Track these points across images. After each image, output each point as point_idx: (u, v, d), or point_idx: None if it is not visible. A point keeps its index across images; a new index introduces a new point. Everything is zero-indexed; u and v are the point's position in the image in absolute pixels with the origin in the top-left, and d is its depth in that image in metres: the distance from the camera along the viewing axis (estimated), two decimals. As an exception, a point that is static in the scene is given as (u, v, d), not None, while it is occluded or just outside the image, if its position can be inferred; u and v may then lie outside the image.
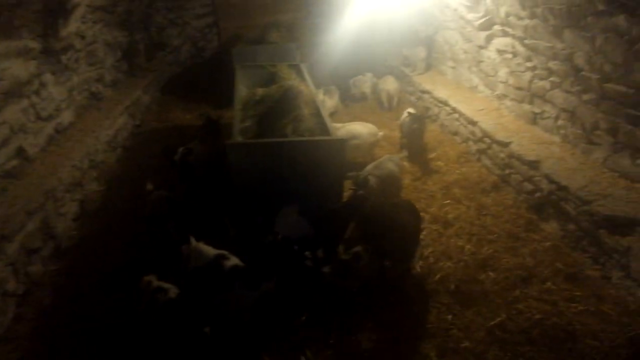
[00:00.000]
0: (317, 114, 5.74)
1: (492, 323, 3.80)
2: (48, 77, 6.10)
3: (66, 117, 6.64)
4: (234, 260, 3.91)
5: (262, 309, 3.82)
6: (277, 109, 5.86)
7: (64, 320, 4.05)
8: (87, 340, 3.84)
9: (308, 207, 4.77)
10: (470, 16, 7.06)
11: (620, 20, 4.09)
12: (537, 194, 5.20)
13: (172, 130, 8.51)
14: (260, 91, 6.37)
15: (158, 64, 10.63)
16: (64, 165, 5.59)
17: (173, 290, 3.79)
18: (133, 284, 3.93)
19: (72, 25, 6.52)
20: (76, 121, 6.93)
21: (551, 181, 4.94)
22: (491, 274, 4.38)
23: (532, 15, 5.45)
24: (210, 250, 3.99)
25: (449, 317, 3.94)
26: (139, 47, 9.87)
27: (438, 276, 4.39)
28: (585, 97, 5.04)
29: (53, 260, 4.86)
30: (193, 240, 4.02)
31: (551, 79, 5.61)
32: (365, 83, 9.40)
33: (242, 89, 6.72)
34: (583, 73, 4.96)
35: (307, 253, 4.03)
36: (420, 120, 6.67)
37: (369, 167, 5.57)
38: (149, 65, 10.31)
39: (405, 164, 6.48)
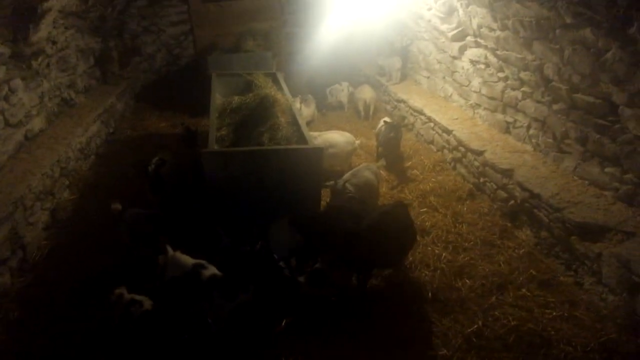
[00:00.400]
0: (294, 122, 5.74)
1: (469, 330, 3.84)
2: (18, 83, 5.94)
3: (37, 123, 6.46)
4: (212, 270, 3.85)
5: (240, 319, 3.77)
6: (253, 118, 5.84)
7: (33, 335, 3.90)
8: (58, 356, 3.70)
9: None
10: (443, 27, 7.19)
11: (587, 33, 4.22)
12: (511, 202, 5.30)
13: (146, 138, 8.37)
14: (236, 99, 6.34)
15: (132, 71, 10.48)
16: (34, 173, 5.43)
17: (147, 302, 3.71)
18: (105, 297, 3.83)
19: (43, 31, 6.37)
20: (47, 128, 6.76)
21: (524, 189, 5.05)
22: (468, 281, 4.43)
23: (504, 27, 5.59)
24: (188, 260, 3.93)
25: (427, 325, 3.96)
26: (113, 54, 9.71)
27: (416, 284, 4.41)
28: (556, 107, 5.18)
29: (22, 271, 4.69)
30: (170, 250, 3.95)
31: (522, 89, 5.75)
32: (341, 92, 9.45)
33: (218, 97, 6.67)
34: (553, 83, 5.10)
35: (281, 263, 4.00)
36: (396, 129, 6.74)
37: (347, 175, 5.58)
38: (123, 72, 10.15)
39: (382, 172, 6.52)
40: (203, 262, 3.92)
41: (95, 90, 8.91)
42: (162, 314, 3.68)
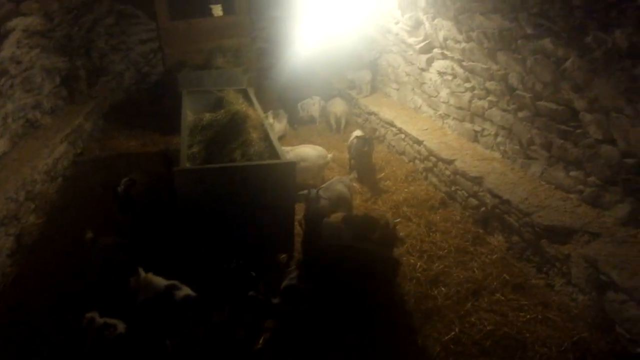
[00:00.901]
0: (266, 137, 5.74)
1: (447, 338, 3.87)
2: (-21, 105, 5.78)
3: (0, 146, 6.28)
4: (185, 290, 3.79)
5: (215, 339, 3.70)
6: (225, 134, 5.81)
7: (-1, 365, 3.75)
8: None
9: (257, 233, 4.73)
10: (411, 40, 7.34)
11: (547, 43, 4.37)
12: (482, 209, 5.40)
13: (116, 158, 8.22)
14: (207, 116, 6.30)
15: (100, 90, 10.31)
16: (-3, 198, 5.26)
17: (121, 325, 3.61)
18: (76, 323, 3.71)
19: (7, 51, 6.23)
20: (11, 150, 6.58)
21: (494, 195, 5.15)
22: (443, 289, 4.47)
23: (468, 39, 5.74)
24: (160, 281, 3.85)
25: (405, 334, 3.97)
26: (80, 73, 9.54)
27: (392, 294, 4.43)
28: (521, 114, 5.33)
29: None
30: (142, 272, 3.87)
31: (489, 98, 5.90)
32: (313, 106, 9.51)
33: (189, 115, 6.62)
34: (517, 92, 5.26)
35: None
36: (369, 142, 6.80)
37: (318, 189, 5.59)
38: (91, 92, 9.97)
39: (355, 185, 6.56)
40: (176, 282, 3.85)
41: (62, 111, 8.73)
42: (136, 337, 3.59)
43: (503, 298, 4.28)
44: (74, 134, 8.18)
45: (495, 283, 4.48)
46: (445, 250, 5.05)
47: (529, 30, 4.53)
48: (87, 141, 8.83)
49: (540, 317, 4.01)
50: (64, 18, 7.91)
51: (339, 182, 5.67)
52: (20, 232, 5.57)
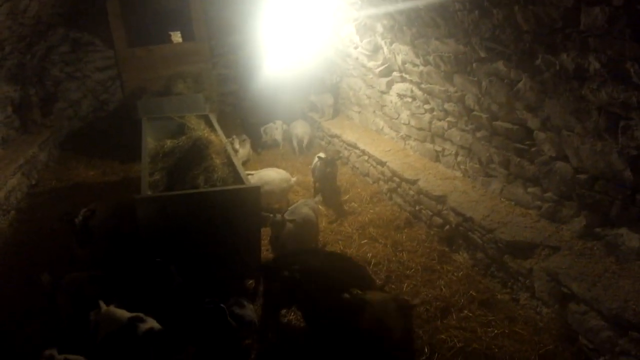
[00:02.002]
0: (229, 163, 5.69)
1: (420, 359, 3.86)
2: None
3: (-54, 180, 5.97)
4: (150, 323, 3.64)
5: None
6: (187, 160, 5.73)
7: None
8: None
9: (223, 259, 4.64)
10: (370, 64, 7.52)
11: (500, 65, 4.57)
12: (447, 227, 5.50)
13: (73, 188, 7.95)
14: (168, 143, 6.21)
15: (56, 119, 10.02)
16: (-56, 235, 4.97)
17: (82, 362, 3.43)
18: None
19: (-46, 81, 5.98)
20: (-41, 184, 6.25)
21: (457, 213, 5.26)
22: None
23: (426, 63, 5.93)
24: (123, 314, 3.69)
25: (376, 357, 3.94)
26: (33, 102, 9.25)
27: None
28: (479, 134, 5.51)
29: None
30: (103, 305, 3.71)
31: (448, 119, 6.08)
32: (276, 130, 9.53)
33: (150, 142, 6.50)
34: (474, 113, 5.44)
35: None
36: (332, 164, 6.83)
37: (285, 214, 5.56)
38: (45, 121, 9.68)
39: (321, 207, 6.56)
40: (140, 314, 3.70)
41: (15, 141, 8.41)
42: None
43: (471, 314, 4.33)
44: (28, 165, 7.88)
45: (462, 300, 4.53)
46: (413, 270, 5.09)
47: (482, 54, 4.72)
48: (43, 172, 8.51)
49: (507, 331, 4.07)
50: (15, 46, 7.69)
51: (305, 205, 5.65)
52: (-31, 270, 5.26)
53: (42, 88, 9.81)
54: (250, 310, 4.01)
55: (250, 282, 5.05)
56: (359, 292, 3.47)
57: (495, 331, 4.08)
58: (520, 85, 4.41)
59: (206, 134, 6.03)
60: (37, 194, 7.73)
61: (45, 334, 4.24)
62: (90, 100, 10.46)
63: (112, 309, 3.70)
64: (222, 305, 3.77)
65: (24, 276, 5.20)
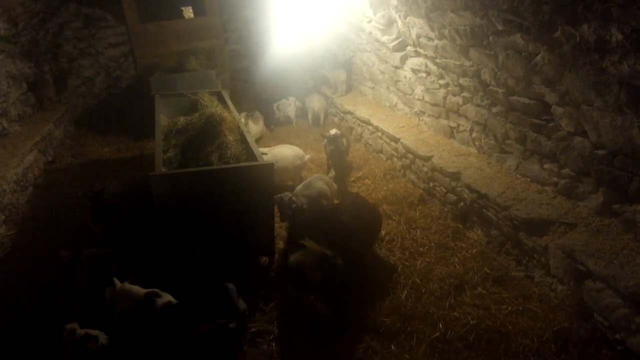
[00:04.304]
0: (242, 140, 5.68)
1: (433, 337, 3.87)
2: (-58, 115, 5.57)
3: (-35, 157, 6.06)
4: (166, 297, 3.71)
5: (194, 352, 3.61)
6: (200, 137, 5.72)
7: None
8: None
9: (237, 236, 4.68)
10: (384, 39, 7.37)
11: (517, 38, 4.44)
12: (461, 204, 5.45)
13: (89, 165, 8.04)
14: (182, 120, 6.20)
15: (70, 95, 10.07)
16: (-36, 211, 5.08)
17: (103, 337, 3.52)
18: (55, 335, 3.60)
19: (-32, 59, 6.02)
20: (-23, 161, 6.35)
21: (472, 190, 5.21)
22: (426, 285, 4.49)
23: (441, 36, 5.79)
24: (138, 289, 3.76)
25: (391, 334, 3.97)
26: (48, 79, 9.29)
27: (377, 293, 4.43)
28: (495, 109, 5.40)
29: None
30: (117, 282, 3.78)
31: (463, 94, 5.97)
32: (289, 107, 9.48)
33: (163, 119, 6.51)
34: (490, 88, 5.33)
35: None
36: (335, 141, 6.76)
37: (299, 187, 5.57)
38: (60, 98, 9.74)
39: (334, 184, 6.54)
40: (156, 290, 3.77)
41: (31, 118, 8.49)
42: (119, 348, 3.50)
43: (485, 292, 4.32)
44: (44, 142, 7.96)
45: (476, 277, 4.52)
46: (426, 247, 5.08)
47: (499, 27, 4.59)
48: (59, 148, 8.61)
49: (521, 308, 4.06)
50: (29, 22, 7.69)
51: (319, 180, 5.65)
52: (-9, 245, 5.39)
53: (56, 65, 9.83)
54: (242, 301, 4.00)
55: (264, 259, 5.09)
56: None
57: (509, 308, 4.07)
58: (538, 58, 4.29)
59: (219, 111, 6.00)
60: (53, 171, 7.84)
61: (67, 308, 4.33)
62: (103, 77, 10.48)
63: (127, 285, 3.77)
64: (228, 284, 3.80)
65: (42, 252, 5.31)
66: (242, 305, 3.94)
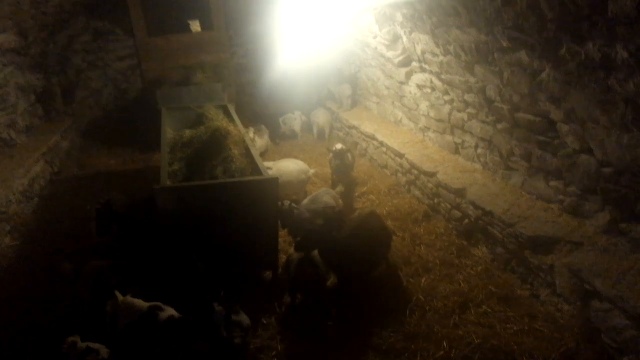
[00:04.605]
0: (248, 154, 5.70)
1: (437, 355, 3.81)
2: (-50, 126, 5.62)
3: (-27, 168, 6.11)
4: (169, 312, 3.69)
5: None
6: (206, 151, 5.75)
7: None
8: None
9: (241, 250, 4.67)
10: (389, 54, 7.41)
11: (523, 55, 4.45)
12: (466, 221, 5.42)
13: (95, 177, 8.07)
14: (188, 133, 6.24)
15: (78, 107, 10.15)
16: (-31, 221, 5.10)
17: (104, 350, 3.49)
18: (55, 349, 3.57)
19: (-21, 70, 6.10)
20: (-16, 172, 6.40)
21: (477, 207, 5.18)
22: (430, 303, 4.44)
23: (446, 53, 5.81)
24: (141, 303, 3.74)
25: (395, 353, 3.92)
26: (56, 90, 9.39)
27: (382, 311, 4.40)
28: (500, 126, 5.39)
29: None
30: (120, 295, 3.76)
31: (468, 110, 5.97)
32: (294, 121, 9.52)
33: (169, 132, 6.55)
34: (495, 104, 5.33)
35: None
36: (341, 156, 6.77)
37: (305, 201, 5.57)
38: (68, 109, 9.82)
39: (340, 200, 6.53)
40: (159, 304, 3.75)
41: (38, 129, 8.56)
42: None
43: (490, 310, 4.27)
44: (51, 153, 8.01)
45: (481, 295, 4.47)
46: (431, 264, 5.04)
47: (504, 44, 4.60)
48: (65, 160, 8.65)
49: (527, 328, 4.01)
50: (38, 35, 7.80)
51: (326, 194, 5.64)
52: (-5, 256, 5.40)
53: (64, 77, 9.92)
54: (244, 315, 3.92)
55: (268, 274, 5.06)
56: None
57: (515, 328, 4.02)
58: (543, 75, 4.30)
59: (225, 125, 6.04)
60: (59, 182, 7.87)
61: (69, 320, 4.32)
62: (111, 90, 10.57)
63: (129, 299, 3.75)
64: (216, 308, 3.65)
65: (46, 263, 5.31)
66: (244, 320, 3.90)
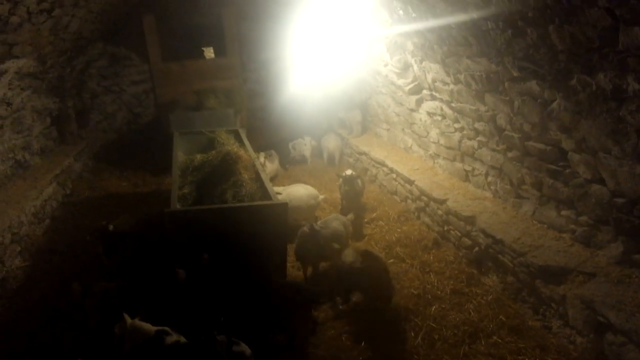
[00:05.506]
0: (257, 178, 5.74)
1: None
2: (-32, 147, 5.74)
3: (-13, 188, 6.20)
4: (176, 337, 3.66)
5: None
6: (216, 175, 5.80)
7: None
8: None
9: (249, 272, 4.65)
10: (400, 82, 7.50)
11: (533, 85, 4.49)
12: (476, 249, 5.37)
13: (106, 199, 8.14)
14: (199, 157, 6.31)
15: (92, 130, 10.33)
16: (-19, 241, 5.15)
17: (107, 375, 3.47)
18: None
19: (-2, 93, 6.25)
20: (-2, 192, 6.49)
21: (487, 235, 5.14)
22: (440, 331, 4.37)
23: (456, 81, 5.87)
24: (149, 327, 3.72)
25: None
26: (71, 114, 9.58)
27: (391, 339, 4.33)
28: (510, 154, 5.39)
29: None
30: (128, 318, 3.75)
31: (478, 138, 5.99)
32: (304, 146, 9.58)
33: (181, 155, 6.63)
34: (506, 132, 5.34)
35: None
36: (351, 182, 6.79)
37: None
38: (82, 132, 9.99)
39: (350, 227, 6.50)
40: (166, 328, 3.73)
41: (52, 151, 8.70)
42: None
43: (500, 341, 4.19)
44: (64, 175, 8.12)
45: (491, 325, 4.39)
46: (441, 292, 4.98)
47: (515, 73, 4.65)
48: (77, 182, 8.76)
49: (538, 360, 3.93)
50: (56, 60, 7.99)
51: (335, 219, 5.63)
52: (5, 276, 5.42)
53: (79, 100, 10.15)
54: (244, 346, 3.85)
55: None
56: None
57: None
58: (554, 105, 4.32)
59: (235, 149, 6.10)
60: (71, 204, 7.94)
61: (76, 340, 4.29)
62: (124, 113, 10.77)
63: (137, 322, 3.73)
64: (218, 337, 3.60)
65: (56, 284, 5.32)
66: (246, 350, 3.77)
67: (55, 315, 4.79)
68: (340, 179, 6.92)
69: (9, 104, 6.90)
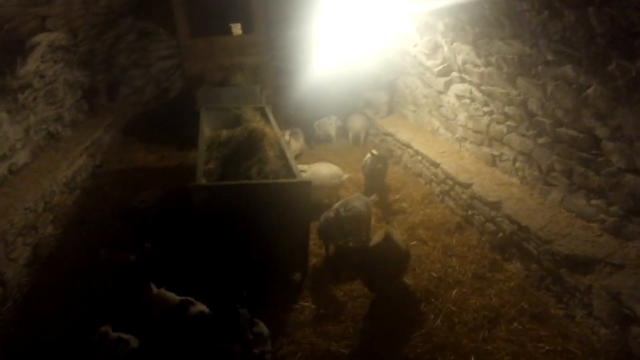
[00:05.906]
0: (282, 156, 5.75)
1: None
2: (3, 116, 5.91)
3: (21, 157, 6.39)
4: (200, 307, 3.76)
5: None
6: (241, 151, 5.83)
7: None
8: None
9: (271, 251, 4.71)
10: (429, 63, 7.36)
11: (568, 69, 4.35)
12: (500, 234, 5.31)
13: (134, 171, 8.31)
14: (225, 133, 6.34)
15: (121, 104, 10.49)
16: (16, 208, 5.34)
17: (134, 341, 3.59)
18: (89, 337, 3.70)
19: (31, 64, 6.38)
20: (32, 162, 6.69)
21: (512, 221, 5.07)
22: (459, 315, 4.37)
23: (487, 64, 5.73)
24: (174, 297, 3.83)
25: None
26: (101, 87, 9.74)
27: (409, 321, 4.36)
28: (540, 140, 5.27)
29: (2, 308, 4.53)
30: (154, 287, 3.86)
31: (507, 123, 5.86)
32: (330, 125, 9.55)
33: (207, 131, 6.68)
34: (537, 118, 5.21)
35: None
36: (383, 160, 6.76)
37: (336, 205, 5.57)
38: (111, 106, 10.16)
39: (373, 208, 6.49)
40: (191, 298, 3.83)
41: (82, 124, 8.88)
42: (149, 354, 3.56)
43: (521, 327, 4.17)
44: (94, 147, 8.31)
45: (512, 311, 4.37)
46: (462, 276, 4.96)
47: (549, 57, 4.51)
48: (106, 154, 8.95)
49: (559, 349, 3.89)
50: (87, 34, 8.10)
51: (357, 199, 5.59)
52: (38, 242, 5.62)
53: (109, 74, 10.29)
54: (263, 326, 3.80)
55: (297, 275, 5.09)
56: None
57: (547, 347, 3.91)
58: (589, 91, 4.18)
59: (261, 126, 6.11)
60: (100, 175, 8.14)
61: (103, 309, 4.45)
62: (152, 88, 10.87)
63: (163, 291, 3.84)
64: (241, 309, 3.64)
65: (85, 252, 5.49)
66: (264, 330, 3.77)
67: (83, 282, 4.95)
68: (368, 157, 6.88)
69: (42, 76, 7.05)
